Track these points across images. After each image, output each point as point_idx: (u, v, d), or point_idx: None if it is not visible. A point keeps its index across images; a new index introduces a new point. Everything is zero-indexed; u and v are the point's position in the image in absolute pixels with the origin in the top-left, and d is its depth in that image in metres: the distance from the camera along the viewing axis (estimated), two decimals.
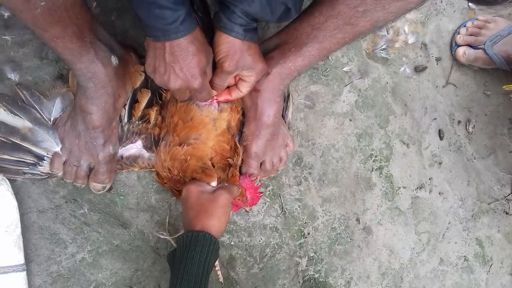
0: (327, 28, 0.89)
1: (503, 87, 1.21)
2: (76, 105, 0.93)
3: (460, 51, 1.20)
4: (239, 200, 0.99)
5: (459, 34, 1.21)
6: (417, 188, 1.20)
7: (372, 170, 1.17)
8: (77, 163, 0.97)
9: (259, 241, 1.10)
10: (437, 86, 1.22)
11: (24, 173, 0.97)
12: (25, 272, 0.95)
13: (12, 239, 0.93)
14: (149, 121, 1.00)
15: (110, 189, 1.03)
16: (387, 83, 1.19)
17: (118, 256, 1.04)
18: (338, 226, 1.14)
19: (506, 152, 1.25)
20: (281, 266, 1.11)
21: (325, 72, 1.16)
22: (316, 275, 1.12)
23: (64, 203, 1.02)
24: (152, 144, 1.00)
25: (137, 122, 1.00)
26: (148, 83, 1.00)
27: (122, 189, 1.05)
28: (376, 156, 1.17)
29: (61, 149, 0.96)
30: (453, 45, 1.22)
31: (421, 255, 1.19)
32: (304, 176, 1.13)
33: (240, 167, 1.03)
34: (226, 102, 0.97)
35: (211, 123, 0.96)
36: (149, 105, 1.00)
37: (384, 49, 1.19)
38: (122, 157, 1.00)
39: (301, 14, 0.93)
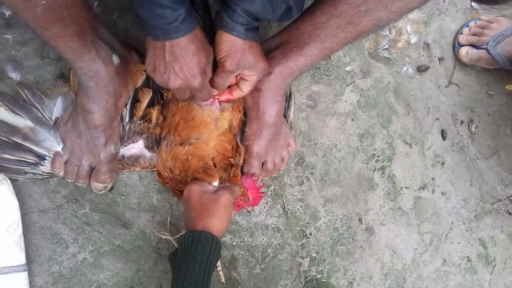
0: (329, 27, 0.89)
1: (506, 87, 1.21)
2: (78, 105, 0.93)
3: (463, 51, 1.20)
4: (241, 200, 0.99)
5: (461, 34, 1.21)
6: (420, 188, 1.19)
7: (375, 170, 1.17)
8: (78, 163, 0.97)
9: (261, 241, 1.10)
10: (439, 86, 1.22)
11: (25, 173, 0.97)
12: (26, 273, 0.95)
13: (13, 239, 0.93)
14: (151, 121, 0.99)
15: (111, 189, 1.03)
16: (390, 83, 1.19)
17: (119, 256, 1.04)
18: (340, 227, 1.14)
19: (509, 152, 1.24)
20: (283, 267, 1.10)
21: (327, 71, 1.15)
22: (318, 276, 1.12)
23: (66, 203, 1.02)
24: (154, 143, 0.99)
25: (138, 121, 0.99)
26: (149, 82, 1.00)
27: (124, 189, 1.05)
28: (378, 156, 1.17)
29: (62, 149, 0.96)
30: (456, 45, 1.22)
31: (424, 256, 1.18)
32: (306, 176, 1.13)
33: (242, 167, 1.02)
34: (228, 101, 0.97)
35: (212, 123, 0.96)
36: (151, 104, 1.00)
37: (386, 48, 1.18)
38: (123, 156, 1.00)
39: (303, 13, 0.92)
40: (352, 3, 0.85)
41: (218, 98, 0.95)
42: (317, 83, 1.15)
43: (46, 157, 0.96)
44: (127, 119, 0.99)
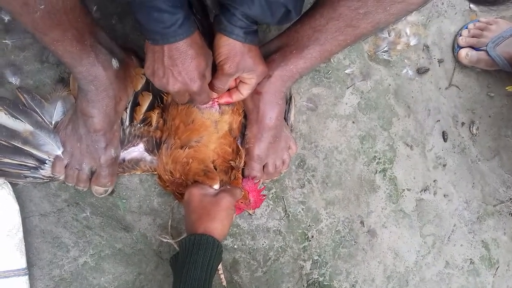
0: (328, 30, 0.89)
1: (507, 88, 1.21)
2: (77, 109, 0.93)
3: (463, 52, 1.20)
4: (242, 203, 0.99)
5: (461, 36, 1.21)
6: (422, 190, 1.19)
7: (376, 173, 1.16)
8: (78, 167, 0.97)
9: (263, 244, 1.10)
10: (440, 88, 1.21)
11: (26, 177, 0.97)
12: (27, 276, 0.95)
13: (14, 243, 0.93)
14: (151, 124, 1.00)
15: (112, 192, 1.03)
16: (390, 85, 1.19)
17: (120, 260, 1.04)
18: (342, 229, 1.13)
19: (511, 154, 1.24)
20: (285, 270, 1.10)
21: (327, 74, 1.15)
22: (321, 279, 1.11)
23: (66, 206, 1.02)
24: (154, 147, 0.99)
25: (138, 125, 1.00)
26: (149, 86, 1.00)
27: (124, 193, 1.05)
28: (379, 158, 1.17)
29: (62, 153, 0.96)
30: (455, 47, 1.22)
31: (427, 258, 1.17)
32: (307, 178, 1.13)
33: (243, 169, 1.02)
34: (227, 104, 0.97)
35: (212, 126, 0.96)
36: (151, 108, 1.00)
37: (386, 51, 1.18)
38: (124, 160, 1.00)
39: (302, 16, 0.92)
40: (351, 6, 0.85)
41: (217, 101, 0.96)
42: (317, 85, 1.15)
43: (46, 161, 0.96)
44: (127, 123, 0.99)
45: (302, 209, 1.12)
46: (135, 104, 1.00)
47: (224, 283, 1.03)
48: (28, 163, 0.96)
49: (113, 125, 0.95)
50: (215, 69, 0.87)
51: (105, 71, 0.87)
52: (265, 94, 0.96)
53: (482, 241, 1.21)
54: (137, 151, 1.00)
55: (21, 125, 0.94)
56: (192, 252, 0.81)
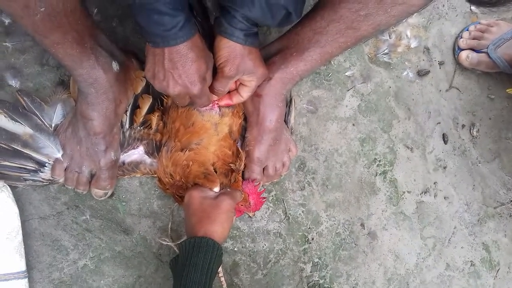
0: (329, 32, 0.89)
1: (507, 90, 1.21)
2: (77, 111, 0.93)
3: (463, 55, 1.20)
4: (242, 205, 0.99)
5: (461, 38, 1.21)
6: (422, 192, 1.19)
7: (376, 175, 1.16)
8: (78, 169, 0.96)
9: (263, 247, 1.09)
10: (440, 90, 1.21)
11: (25, 180, 0.96)
12: (26, 279, 0.95)
13: (13, 246, 0.93)
14: (151, 127, 0.99)
15: (112, 195, 1.03)
16: (390, 87, 1.19)
17: (120, 263, 1.03)
18: (343, 232, 1.13)
19: (511, 156, 1.24)
20: (285, 272, 1.10)
21: (327, 76, 1.15)
22: (321, 281, 1.11)
23: (66, 209, 1.02)
24: (154, 149, 0.99)
25: (138, 128, 0.99)
26: (149, 88, 1.00)
27: (124, 195, 1.05)
28: (380, 161, 1.16)
29: (62, 156, 0.96)
30: (456, 49, 1.22)
31: (427, 260, 1.17)
32: (308, 181, 1.13)
33: (243, 172, 1.02)
34: (227, 106, 0.97)
35: (212, 128, 0.96)
36: (151, 110, 1.00)
37: (386, 53, 1.18)
38: (123, 163, 1.00)
39: (303, 18, 0.92)
40: (351, 8, 0.85)
41: (217, 103, 0.95)
42: (317, 88, 1.15)
43: (46, 164, 0.96)
44: (127, 126, 0.99)
45: (302, 211, 1.12)
46: (135, 107, 0.99)
47: (225, 286, 1.02)
48: (27, 166, 0.95)
49: (113, 127, 0.94)
50: (215, 71, 0.87)
51: (105, 74, 0.87)
52: (265, 96, 0.96)
53: (483, 243, 1.21)
54: (137, 153, 1.00)
55: (21, 128, 0.94)
56: (192, 254, 0.81)
